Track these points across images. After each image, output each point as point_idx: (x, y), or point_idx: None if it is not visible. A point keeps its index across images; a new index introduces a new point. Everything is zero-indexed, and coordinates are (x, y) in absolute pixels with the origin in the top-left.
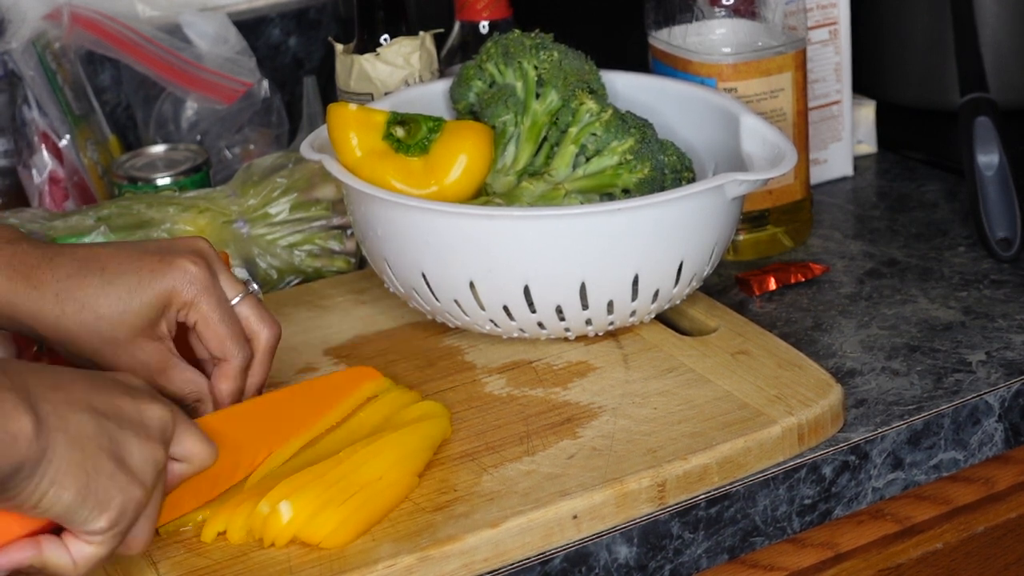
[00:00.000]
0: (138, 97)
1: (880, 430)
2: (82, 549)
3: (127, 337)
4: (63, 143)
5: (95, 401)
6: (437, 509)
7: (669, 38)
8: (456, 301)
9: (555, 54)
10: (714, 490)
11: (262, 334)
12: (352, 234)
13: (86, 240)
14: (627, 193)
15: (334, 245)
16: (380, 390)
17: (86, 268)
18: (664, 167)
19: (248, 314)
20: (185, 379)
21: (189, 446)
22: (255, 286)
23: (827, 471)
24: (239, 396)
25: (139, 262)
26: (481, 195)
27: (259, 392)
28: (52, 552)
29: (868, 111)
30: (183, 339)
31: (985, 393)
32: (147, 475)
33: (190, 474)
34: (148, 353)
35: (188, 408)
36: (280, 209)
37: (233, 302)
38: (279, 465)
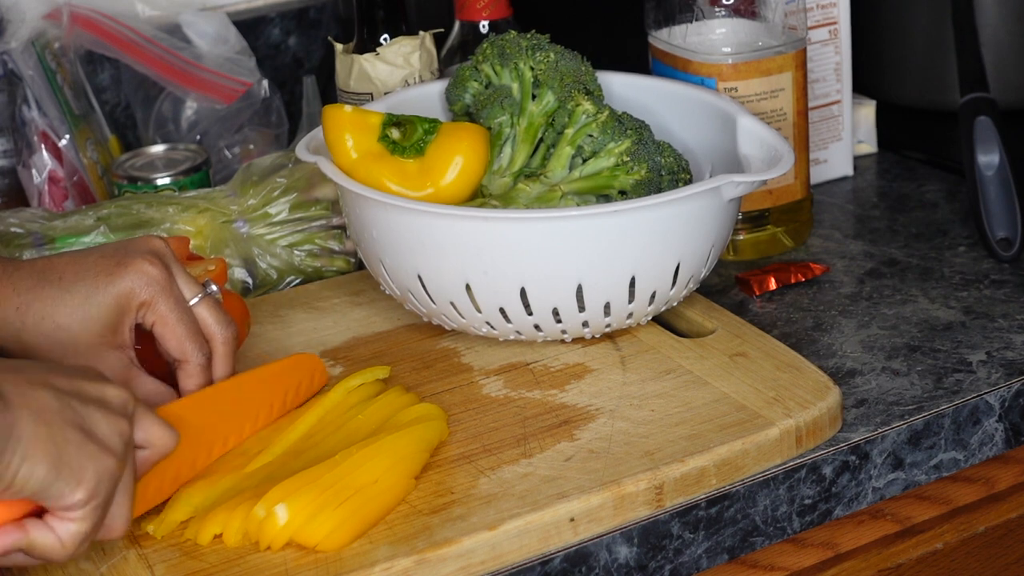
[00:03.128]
0: (138, 97)
1: (880, 430)
2: (66, 527)
3: (88, 345)
4: (63, 143)
5: (55, 381)
6: (434, 512)
7: (669, 38)
8: (452, 303)
9: (551, 55)
10: (714, 491)
11: (219, 335)
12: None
13: (86, 240)
14: (624, 195)
15: (334, 245)
16: (324, 378)
17: (44, 279)
18: (661, 168)
19: (205, 315)
20: (148, 389)
21: (150, 431)
22: (214, 287)
23: (827, 471)
24: None
25: (95, 268)
26: (477, 197)
27: None
28: (38, 533)
29: (868, 111)
30: (146, 352)
31: (985, 393)
32: (116, 444)
33: (155, 459)
34: (110, 363)
35: None
36: (280, 209)
37: (191, 303)
38: (272, 462)
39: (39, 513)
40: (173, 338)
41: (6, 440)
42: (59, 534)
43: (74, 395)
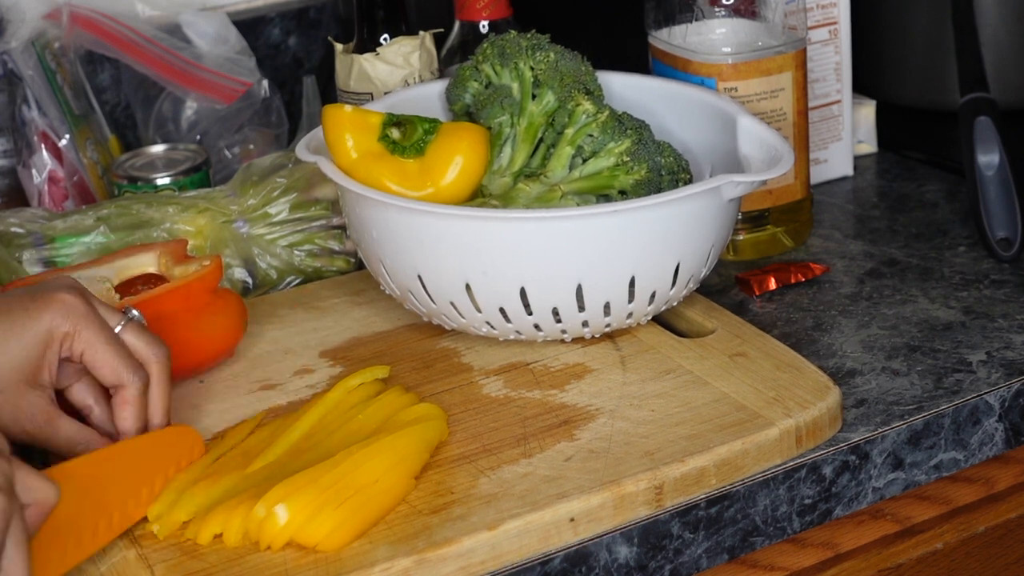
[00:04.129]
0: (138, 97)
1: (880, 430)
2: None
3: (9, 386)
4: (63, 143)
5: None
6: (434, 512)
7: (669, 38)
8: (452, 303)
9: (551, 55)
10: (714, 490)
11: (152, 358)
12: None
13: (86, 240)
14: (624, 195)
15: (334, 245)
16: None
17: None
18: (661, 168)
19: (133, 340)
20: (72, 428)
21: (27, 483)
22: (135, 312)
23: (827, 471)
24: (143, 425)
25: (10, 307)
26: (477, 197)
27: (168, 421)
28: None
29: (868, 111)
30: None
31: (985, 393)
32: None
33: (41, 515)
34: (31, 403)
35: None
36: (280, 209)
37: (116, 330)
38: (272, 462)
39: None
40: (106, 364)
41: None
42: None
43: None
